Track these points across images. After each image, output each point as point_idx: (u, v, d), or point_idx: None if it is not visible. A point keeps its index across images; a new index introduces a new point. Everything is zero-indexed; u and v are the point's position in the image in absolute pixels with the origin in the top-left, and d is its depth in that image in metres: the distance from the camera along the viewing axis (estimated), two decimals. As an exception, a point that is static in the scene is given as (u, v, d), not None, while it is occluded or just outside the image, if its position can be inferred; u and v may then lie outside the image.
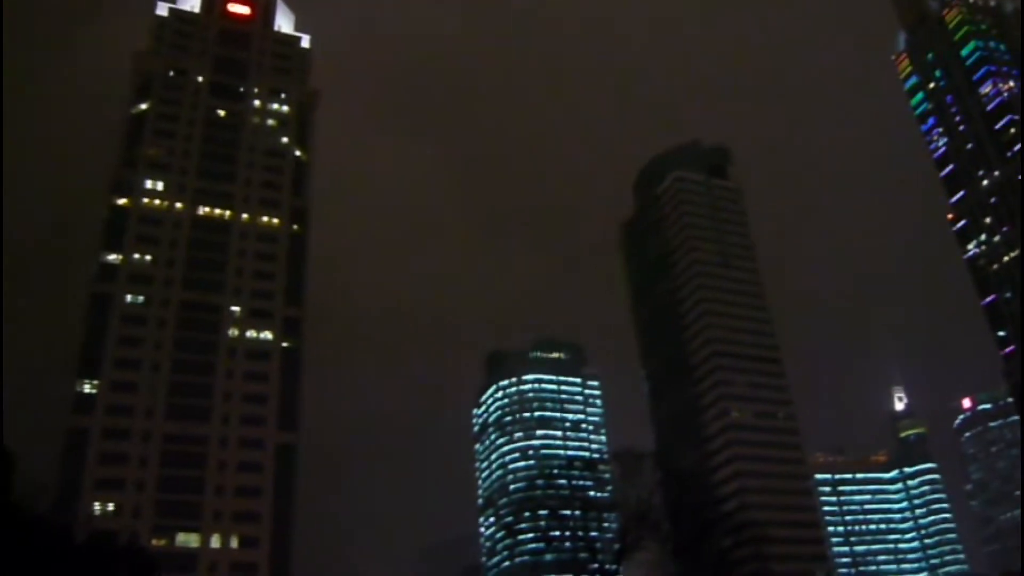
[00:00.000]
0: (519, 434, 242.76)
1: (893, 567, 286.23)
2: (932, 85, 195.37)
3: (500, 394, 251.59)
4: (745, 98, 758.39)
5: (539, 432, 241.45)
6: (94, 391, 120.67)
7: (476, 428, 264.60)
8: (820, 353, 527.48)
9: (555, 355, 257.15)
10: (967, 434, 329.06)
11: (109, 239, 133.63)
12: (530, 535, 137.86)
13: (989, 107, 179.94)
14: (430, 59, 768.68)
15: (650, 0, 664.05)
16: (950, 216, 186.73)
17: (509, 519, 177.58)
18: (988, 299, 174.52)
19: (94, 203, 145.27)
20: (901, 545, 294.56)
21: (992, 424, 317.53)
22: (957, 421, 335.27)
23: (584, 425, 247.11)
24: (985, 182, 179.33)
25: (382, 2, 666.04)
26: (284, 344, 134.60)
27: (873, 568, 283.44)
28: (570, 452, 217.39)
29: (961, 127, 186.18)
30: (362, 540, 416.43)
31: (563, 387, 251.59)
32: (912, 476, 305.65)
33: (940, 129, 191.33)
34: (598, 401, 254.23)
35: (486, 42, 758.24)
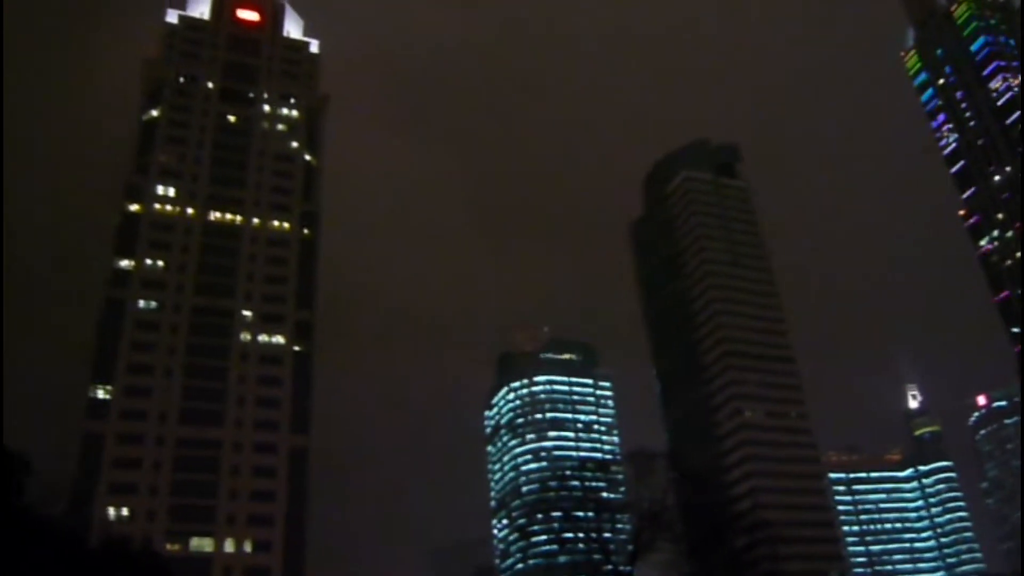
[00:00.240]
0: (531, 436, 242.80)
1: (909, 567, 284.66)
2: (941, 81, 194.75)
3: (512, 396, 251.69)
4: (754, 95, 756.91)
5: (551, 433, 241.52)
6: (108, 396, 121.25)
7: (488, 430, 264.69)
8: (833, 351, 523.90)
9: (566, 356, 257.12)
10: (982, 431, 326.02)
11: (122, 245, 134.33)
12: (543, 537, 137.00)
13: (999, 102, 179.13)
14: (438, 62, 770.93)
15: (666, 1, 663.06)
16: (962, 212, 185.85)
17: (522, 521, 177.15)
18: (1001, 295, 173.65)
19: (107, 209, 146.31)
20: (917, 544, 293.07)
21: (1007, 421, 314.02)
22: (972, 418, 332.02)
23: (596, 426, 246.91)
24: (997, 178, 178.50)
25: (390, 8, 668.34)
26: (296, 348, 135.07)
27: (889, 568, 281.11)
28: (582, 453, 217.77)
29: (971, 123, 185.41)
30: (374, 543, 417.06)
31: (575, 388, 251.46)
32: (927, 474, 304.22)
33: (950, 125, 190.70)
34: (610, 402, 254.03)
35: (494, 45, 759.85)
